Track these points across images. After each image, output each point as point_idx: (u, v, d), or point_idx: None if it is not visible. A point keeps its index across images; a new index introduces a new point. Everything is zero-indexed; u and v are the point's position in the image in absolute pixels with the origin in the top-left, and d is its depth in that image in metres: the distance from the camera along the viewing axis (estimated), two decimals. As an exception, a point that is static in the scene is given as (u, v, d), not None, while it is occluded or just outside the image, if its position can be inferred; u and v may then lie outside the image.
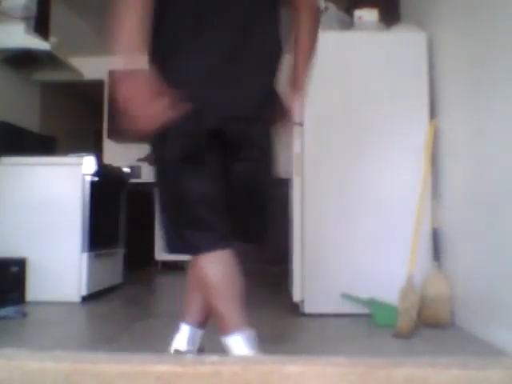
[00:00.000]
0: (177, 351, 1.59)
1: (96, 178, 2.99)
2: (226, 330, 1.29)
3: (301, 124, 2.57)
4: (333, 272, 2.51)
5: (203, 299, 1.47)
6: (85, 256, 2.91)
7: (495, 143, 1.95)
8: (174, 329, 2.25)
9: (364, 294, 2.42)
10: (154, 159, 1.38)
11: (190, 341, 1.57)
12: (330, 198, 2.56)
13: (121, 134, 5.57)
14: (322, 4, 2.80)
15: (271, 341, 1.99)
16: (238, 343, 1.27)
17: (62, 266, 2.87)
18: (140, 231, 4.75)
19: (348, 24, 2.80)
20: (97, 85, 5.80)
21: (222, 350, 1.82)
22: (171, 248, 1.35)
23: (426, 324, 2.24)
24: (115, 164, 3.56)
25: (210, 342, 1.96)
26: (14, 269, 2.77)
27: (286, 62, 1.45)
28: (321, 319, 2.40)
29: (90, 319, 2.62)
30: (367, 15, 2.73)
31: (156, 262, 4.94)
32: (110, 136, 5.74)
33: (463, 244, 2.25)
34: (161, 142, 1.30)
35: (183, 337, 1.58)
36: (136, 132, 1.18)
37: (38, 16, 3.23)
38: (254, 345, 1.28)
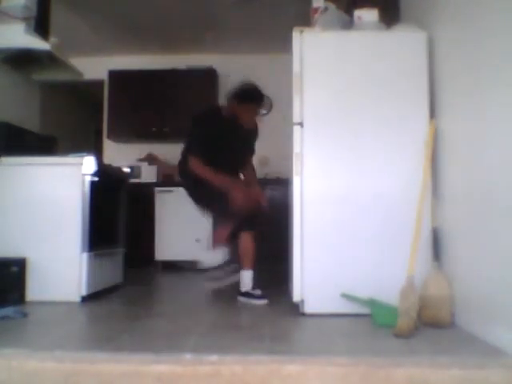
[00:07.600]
0: None
1: (96, 178, 2.99)
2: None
3: (301, 124, 2.58)
4: (333, 272, 2.51)
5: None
6: (85, 256, 2.91)
7: (495, 143, 1.95)
8: (175, 329, 2.25)
9: (364, 294, 2.42)
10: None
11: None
12: (329, 197, 2.55)
13: (120, 133, 5.58)
14: (322, 4, 2.80)
15: (271, 340, 1.99)
16: None
17: (61, 266, 2.88)
18: (140, 231, 4.76)
19: (348, 24, 2.80)
20: (97, 85, 5.79)
21: (222, 350, 1.82)
22: None
23: (426, 324, 2.24)
24: (115, 164, 3.56)
25: (210, 343, 1.96)
26: (14, 269, 2.77)
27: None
28: (321, 319, 2.40)
29: (90, 319, 2.61)
30: (367, 15, 2.73)
31: (156, 262, 4.94)
32: (109, 136, 5.73)
33: (463, 244, 2.25)
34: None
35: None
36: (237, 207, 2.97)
37: (37, 16, 3.23)
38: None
